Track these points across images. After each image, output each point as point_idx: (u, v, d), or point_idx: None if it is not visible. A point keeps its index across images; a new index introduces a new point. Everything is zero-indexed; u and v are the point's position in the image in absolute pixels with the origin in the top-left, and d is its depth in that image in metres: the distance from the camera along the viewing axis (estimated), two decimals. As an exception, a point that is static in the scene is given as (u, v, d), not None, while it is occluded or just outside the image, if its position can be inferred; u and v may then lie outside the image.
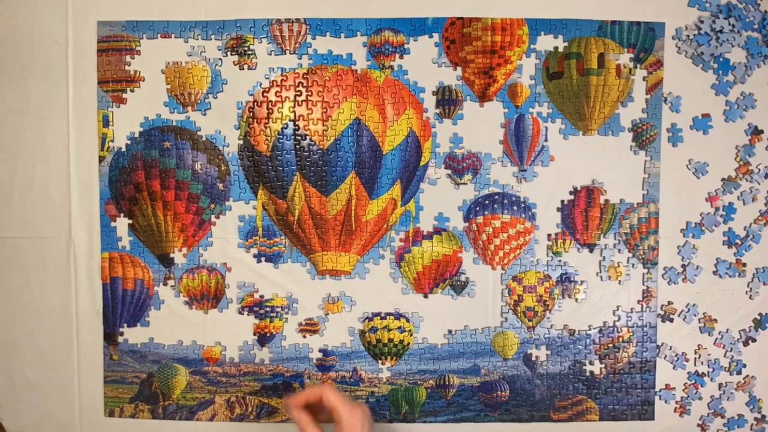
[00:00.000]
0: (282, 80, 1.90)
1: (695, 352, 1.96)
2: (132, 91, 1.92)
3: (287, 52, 1.91)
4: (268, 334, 1.96)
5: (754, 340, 1.96)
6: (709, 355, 1.96)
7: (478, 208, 1.94)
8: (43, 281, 1.94)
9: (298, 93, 1.89)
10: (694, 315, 1.95)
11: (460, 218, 1.94)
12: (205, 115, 1.92)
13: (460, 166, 1.93)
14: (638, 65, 1.89)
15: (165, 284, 1.95)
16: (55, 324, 1.95)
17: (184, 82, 1.91)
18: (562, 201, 1.94)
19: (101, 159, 1.93)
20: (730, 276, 1.94)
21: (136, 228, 1.95)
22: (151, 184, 1.92)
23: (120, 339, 1.96)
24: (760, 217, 1.93)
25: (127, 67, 1.91)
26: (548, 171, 1.93)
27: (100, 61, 1.91)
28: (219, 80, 1.91)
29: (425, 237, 1.94)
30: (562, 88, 1.91)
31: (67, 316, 1.95)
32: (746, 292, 1.95)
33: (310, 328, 1.95)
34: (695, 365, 1.96)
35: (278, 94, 1.90)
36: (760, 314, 1.95)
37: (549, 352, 1.96)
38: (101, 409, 1.97)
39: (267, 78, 1.91)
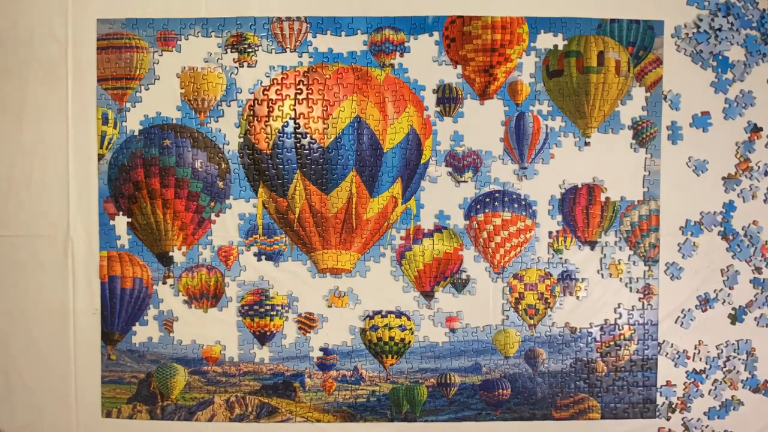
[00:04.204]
0: (282, 78, 1.90)
1: (695, 348, 1.96)
2: (132, 88, 1.91)
3: (288, 50, 1.91)
4: (268, 333, 1.94)
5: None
6: (708, 352, 1.96)
7: (478, 206, 1.93)
8: (40, 280, 1.93)
9: (299, 91, 1.89)
10: (695, 312, 1.95)
11: (461, 216, 1.94)
12: (217, 121, 1.91)
13: (461, 164, 1.92)
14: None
15: (164, 283, 1.94)
16: (52, 323, 1.93)
17: (199, 88, 1.89)
18: (563, 199, 1.94)
19: (100, 157, 1.92)
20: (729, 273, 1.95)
21: (135, 226, 1.93)
22: (150, 182, 1.91)
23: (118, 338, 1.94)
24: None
25: (127, 65, 1.90)
26: (549, 169, 1.93)
27: (100, 58, 1.90)
28: (234, 89, 1.90)
29: (426, 235, 1.94)
30: (562, 86, 1.91)
31: (65, 315, 1.93)
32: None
33: (307, 322, 1.94)
34: (695, 362, 1.96)
35: (279, 92, 1.89)
36: (734, 308, 1.94)
37: (550, 350, 1.95)
38: (99, 409, 1.95)
39: (267, 76, 1.90)
